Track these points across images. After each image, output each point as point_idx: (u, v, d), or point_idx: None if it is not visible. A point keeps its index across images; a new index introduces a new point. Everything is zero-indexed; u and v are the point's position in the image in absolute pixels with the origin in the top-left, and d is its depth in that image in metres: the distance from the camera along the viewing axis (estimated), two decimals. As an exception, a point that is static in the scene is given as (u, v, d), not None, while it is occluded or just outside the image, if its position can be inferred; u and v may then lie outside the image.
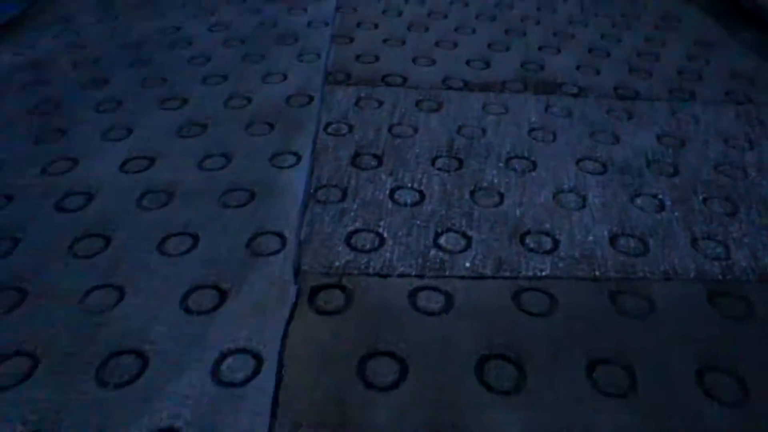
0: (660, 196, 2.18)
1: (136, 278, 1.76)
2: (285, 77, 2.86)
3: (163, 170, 2.23)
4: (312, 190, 2.13)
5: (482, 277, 1.79)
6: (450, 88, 2.84)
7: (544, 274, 1.81)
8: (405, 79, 2.88)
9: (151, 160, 2.28)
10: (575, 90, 2.90)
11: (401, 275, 1.78)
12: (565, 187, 2.20)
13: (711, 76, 3.12)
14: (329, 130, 2.47)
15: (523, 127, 2.56)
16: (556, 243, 1.93)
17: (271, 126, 2.48)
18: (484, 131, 2.50)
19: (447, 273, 1.80)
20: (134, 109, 2.61)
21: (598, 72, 3.10)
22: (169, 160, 2.28)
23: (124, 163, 2.27)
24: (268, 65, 2.98)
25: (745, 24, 3.93)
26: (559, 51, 3.29)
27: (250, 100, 2.67)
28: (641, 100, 2.86)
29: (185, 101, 2.66)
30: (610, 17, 3.83)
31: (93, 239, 1.90)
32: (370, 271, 1.79)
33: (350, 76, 2.88)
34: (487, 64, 3.08)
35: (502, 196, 2.13)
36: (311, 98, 2.67)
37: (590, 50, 3.34)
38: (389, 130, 2.48)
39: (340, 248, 1.87)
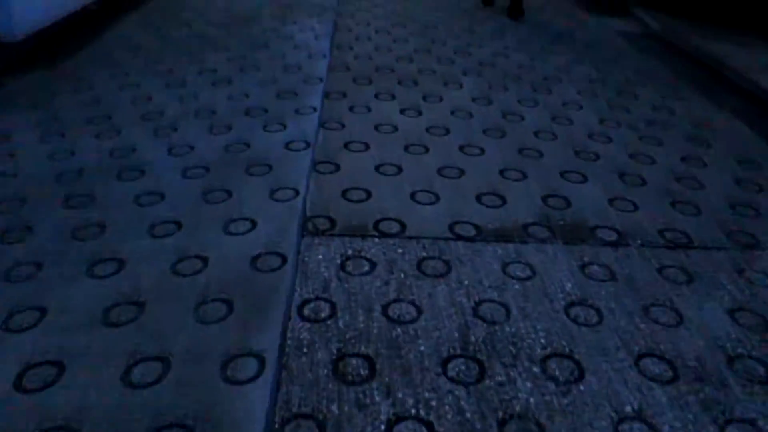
0: (760, 423, 1.58)
1: None
2: (253, 225, 2.29)
3: (73, 386, 1.61)
4: (276, 425, 1.50)
5: None
6: (459, 237, 2.27)
7: None
8: (403, 227, 2.31)
9: (60, 368, 1.66)
10: (614, 236, 2.34)
11: None
12: (628, 409, 1.59)
13: (771, 211, 2.58)
14: (305, 312, 1.87)
15: (557, 301, 1.97)
16: None
17: (229, 306, 1.88)
18: (507, 311, 1.91)
19: None
20: (54, 277, 2.02)
21: (635, 207, 2.56)
22: (85, 366, 1.67)
23: (22, 373, 1.65)
24: (234, 206, 2.41)
25: (784, 131, 3.46)
26: (584, 178, 2.76)
27: (205, 262, 2.08)
28: (696, 250, 2.30)
29: (122, 264, 2.07)
30: (636, 128, 3.34)
31: None
32: None
33: (335, 224, 2.32)
34: (503, 200, 2.53)
35: (543, 430, 1.52)
36: (284, 260, 2.09)
37: (621, 175, 2.82)
38: (384, 310, 1.89)
39: None
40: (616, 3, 5.89)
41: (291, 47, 4.39)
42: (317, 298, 1.93)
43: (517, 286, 2.03)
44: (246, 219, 2.32)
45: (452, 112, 3.39)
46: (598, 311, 1.94)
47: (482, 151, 2.96)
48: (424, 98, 3.57)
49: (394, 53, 4.38)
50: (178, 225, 2.29)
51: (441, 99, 3.57)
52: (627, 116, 3.51)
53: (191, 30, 4.79)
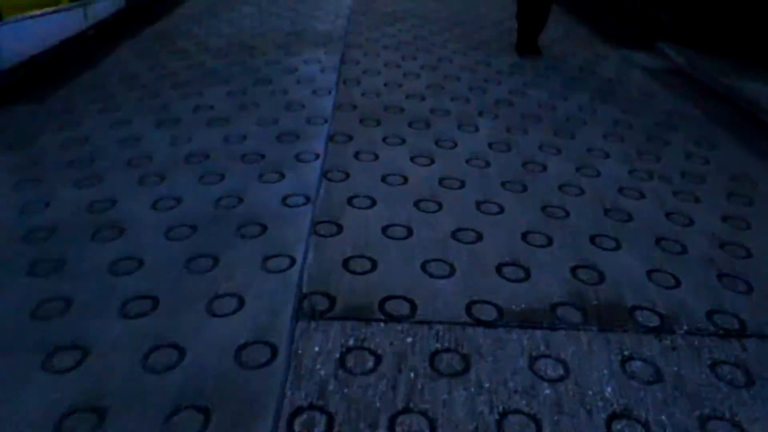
0: None
1: None
2: (241, 303, 1.99)
3: None
4: None
5: None
6: (478, 322, 1.96)
7: None
8: (413, 307, 2.01)
9: (-7, 504, 1.35)
10: (656, 321, 2.03)
11: None
12: None
13: (833, 290, 2.26)
14: (296, 427, 1.56)
15: (596, 412, 1.66)
16: None
17: (206, 416, 1.58)
18: (538, 427, 1.60)
19: None
20: (3, 371, 1.72)
21: (677, 282, 2.25)
22: (24, 501, 1.36)
23: None
24: (220, 277, 2.12)
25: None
26: (617, 244, 2.45)
27: (182, 354, 1.78)
28: (752, 339, 1.98)
29: (85, 354, 1.77)
30: (669, 181, 3.04)
31: None
32: None
33: (334, 303, 2.01)
34: (526, 272, 2.23)
35: None
36: (274, 351, 1.79)
37: (658, 240, 2.51)
38: (391, 425, 1.58)
39: None
40: (640, 36, 5.61)
41: (294, 81, 4.13)
42: (311, 407, 1.62)
43: (547, 390, 1.72)
44: (233, 295, 2.03)
45: (467, 161, 3.09)
46: (646, 427, 1.62)
47: (501, 209, 2.66)
48: (437, 143, 3.28)
49: (405, 89, 4.10)
50: (155, 301, 1.99)
51: (455, 144, 3.28)
52: (658, 166, 3.20)
53: (190, 60, 4.54)
